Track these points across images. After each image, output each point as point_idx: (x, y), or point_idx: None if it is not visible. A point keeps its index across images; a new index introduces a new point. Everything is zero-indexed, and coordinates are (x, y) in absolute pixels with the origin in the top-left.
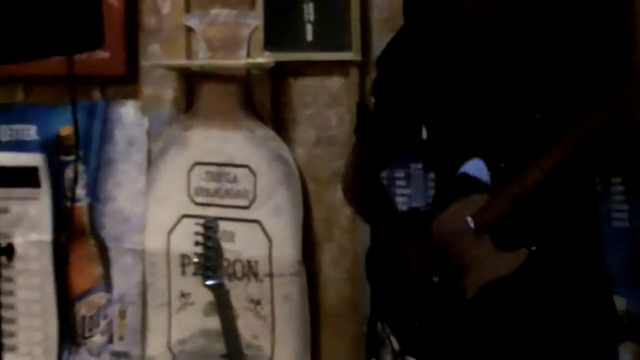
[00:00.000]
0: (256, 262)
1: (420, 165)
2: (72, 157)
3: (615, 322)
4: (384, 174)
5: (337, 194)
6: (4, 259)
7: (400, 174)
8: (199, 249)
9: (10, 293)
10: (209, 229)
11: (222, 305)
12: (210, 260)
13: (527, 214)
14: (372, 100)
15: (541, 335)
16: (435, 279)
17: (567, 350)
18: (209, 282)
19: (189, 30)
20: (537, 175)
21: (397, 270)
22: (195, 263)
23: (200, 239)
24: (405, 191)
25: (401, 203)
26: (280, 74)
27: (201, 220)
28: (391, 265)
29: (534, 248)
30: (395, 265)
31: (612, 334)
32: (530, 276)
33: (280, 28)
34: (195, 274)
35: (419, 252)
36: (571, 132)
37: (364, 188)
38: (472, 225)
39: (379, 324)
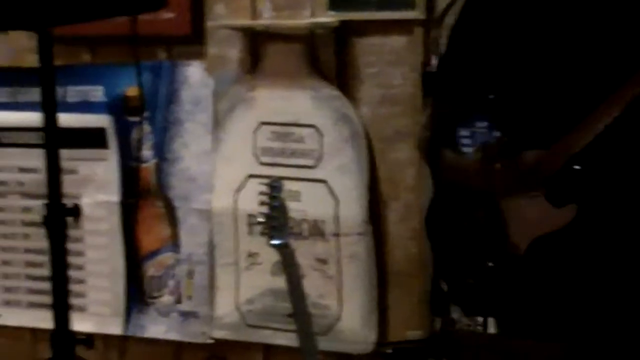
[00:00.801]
0: (322, 221)
1: (485, 124)
2: (138, 118)
3: None
4: (463, 141)
5: (401, 152)
6: (70, 219)
7: (465, 132)
8: (264, 209)
9: (79, 253)
10: (274, 188)
11: (288, 264)
12: (275, 220)
13: (581, 170)
14: (434, 60)
15: (593, 289)
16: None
17: (617, 305)
18: (274, 242)
19: None
20: (588, 132)
21: (455, 225)
22: (261, 223)
23: (265, 198)
24: (471, 149)
25: None
26: (345, 33)
27: (266, 180)
28: (450, 221)
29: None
30: (454, 220)
31: None
32: (581, 230)
33: None
34: (261, 233)
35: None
36: (623, 88)
37: (438, 143)
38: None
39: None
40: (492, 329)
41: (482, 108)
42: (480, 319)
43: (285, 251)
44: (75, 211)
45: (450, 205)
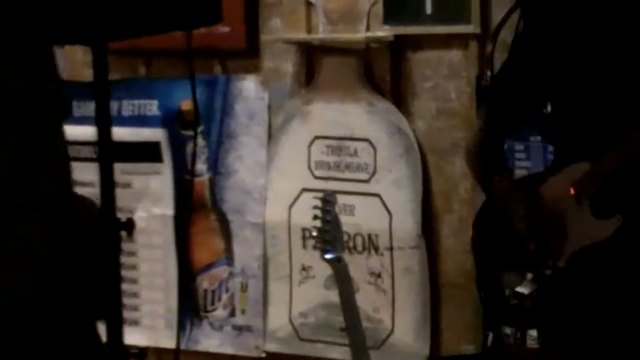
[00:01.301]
0: (376, 235)
1: (539, 138)
2: (192, 132)
3: None
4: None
5: (456, 166)
6: (124, 233)
7: (519, 146)
8: (318, 223)
9: (133, 267)
10: (328, 202)
11: (341, 278)
12: (328, 234)
13: (627, 182)
14: (488, 73)
15: (633, 300)
16: (531, 246)
17: None
18: (327, 256)
19: (309, 4)
20: (636, 146)
21: (499, 237)
22: (314, 237)
23: (318, 212)
24: (525, 164)
25: (520, 175)
26: (400, 47)
27: (320, 194)
28: (495, 232)
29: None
30: (498, 231)
31: None
32: (625, 242)
33: (399, 1)
34: (315, 247)
35: (523, 211)
36: None
37: (485, 152)
38: (572, 192)
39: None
40: (535, 342)
41: (535, 122)
42: (532, 334)
43: (338, 265)
44: (129, 225)
45: (495, 216)
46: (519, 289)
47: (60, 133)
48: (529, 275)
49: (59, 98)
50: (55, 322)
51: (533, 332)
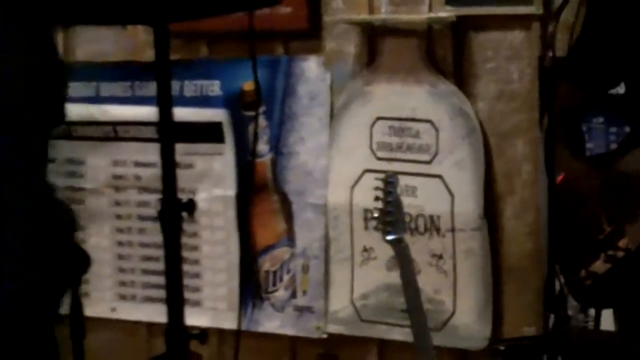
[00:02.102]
0: (438, 217)
1: (601, 119)
2: (254, 113)
3: None
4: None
5: (518, 147)
6: (185, 214)
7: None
8: (379, 204)
9: (195, 248)
10: (389, 183)
11: (402, 260)
12: (390, 215)
13: None
14: (550, 54)
15: None
16: (606, 228)
17: None
18: (389, 237)
19: None
20: None
21: (572, 215)
22: (376, 218)
23: (379, 193)
24: (587, 145)
25: None
26: (462, 28)
27: (382, 175)
28: (568, 210)
29: None
30: (572, 210)
31: None
32: None
33: None
34: (376, 228)
35: (598, 191)
36: None
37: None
38: None
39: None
40: (608, 324)
41: (599, 103)
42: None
43: (399, 246)
44: (190, 206)
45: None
46: (593, 269)
47: (45, 136)
48: (602, 256)
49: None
50: (29, 322)
51: (606, 314)
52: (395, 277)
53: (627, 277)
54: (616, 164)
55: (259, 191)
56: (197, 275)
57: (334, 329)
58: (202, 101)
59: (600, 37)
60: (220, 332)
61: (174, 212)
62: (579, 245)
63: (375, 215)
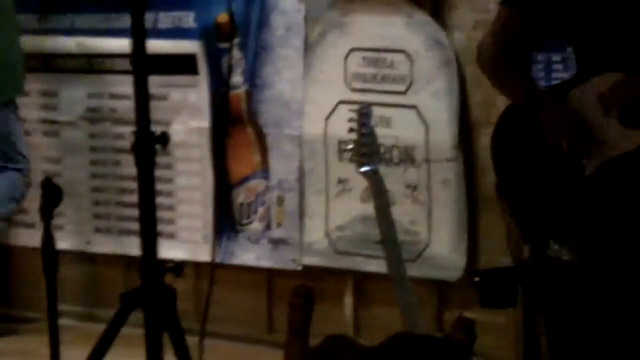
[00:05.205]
0: (413, 147)
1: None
2: (229, 44)
3: None
4: (540, 57)
5: None
6: (159, 147)
7: (557, 57)
8: (353, 136)
9: (170, 180)
10: (363, 115)
11: (376, 191)
12: (364, 147)
13: None
14: None
15: None
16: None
17: None
18: (362, 169)
19: None
20: None
21: (523, 144)
22: (350, 149)
23: (354, 125)
24: (562, 75)
25: None
26: None
27: (356, 107)
28: (519, 139)
29: None
30: (523, 139)
31: None
32: None
33: None
34: (351, 160)
35: (552, 119)
36: None
37: (507, 58)
38: (600, 101)
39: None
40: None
41: (559, 31)
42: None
43: (374, 178)
44: (164, 138)
45: (520, 121)
46: (548, 199)
47: None
48: (558, 185)
49: None
50: None
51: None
52: (370, 208)
53: (584, 206)
54: (568, 96)
55: (234, 123)
56: (172, 208)
57: (309, 261)
58: (177, 33)
59: None
60: (196, 265)
61: (148, 144)
62: (532, 171)
63: (350, 146)
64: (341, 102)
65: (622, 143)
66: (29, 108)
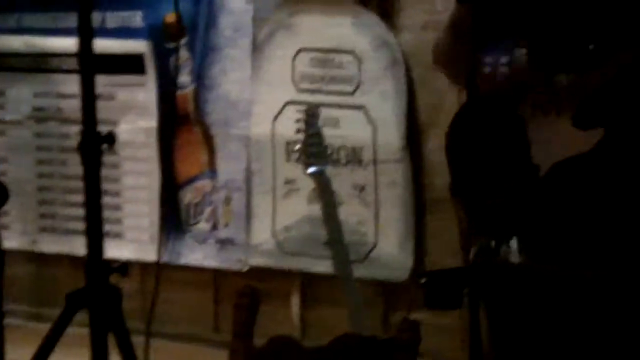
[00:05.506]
0: (361, 148)
1: (525, 51)
2: (176, 44)
3: None
4: (488, 59)
5: (443, 78)
6: (105, 146)
7: (504, 59)
8: (301, 136)
9: (117, 180)
10: (311, 115)
11: (323, 192)
12: (311, 148)
13: (611, 97)
14: None
15: (613, 216)
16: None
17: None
18: (309, 170)
19: None
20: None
21: (478, 142)
22: (297, 150)
23: (301, 126)
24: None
25: None
26: None
27: (304, 107)
28: (474, 138)
29: None
30: (478, 137)
31: None
32: (606, 156)
33: None
34: (298, 161)
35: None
36: None
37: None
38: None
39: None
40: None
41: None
42: (512, 245)
43: (321, 179)
44: (110, 138)
45: (475, 120)
46: (501, 200)
47: None
48: (512, 185)
49: None
50: None
51: (513, 244)
52: (317, 209)
53: (533, 208)
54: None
55: (182, 123)
56: (118, 207)
57: (256, 261)
58: (124, 32)
59: None
60: (143, 265)
61: (94, 144)
62: (484, 170)
63: (297, 147)
64: (289, 102)
65: (573, 144)
66: None
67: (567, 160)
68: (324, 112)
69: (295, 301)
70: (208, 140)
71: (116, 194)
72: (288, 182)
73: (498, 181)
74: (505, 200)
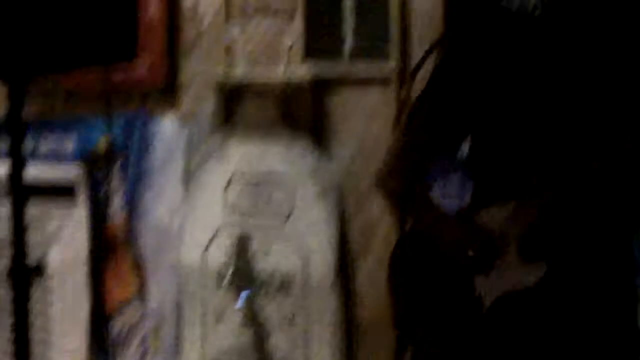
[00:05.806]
0: (292, 277)
1: (460, 176)
2: (108, 170)
3: (637, 340)
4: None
5: (375, 207)
6: (34, 278)
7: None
8: (231, 266)
9: (43, 312)
10: (242, 245)
11: (253, 323)
12: (241, 277)
13: (554, 228)
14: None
15: (557, 350)
16: (471, 253)
17: None
18: (238, 305)
19: (229, 42)
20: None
21: (421, 275)
22: (227, 280)
23: (232, 255)
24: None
25: None
26: (320, 87)
27: (234, 236)
28: (415, 269)
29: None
30: (420, 269)
31: (632, 351)
32: (549, 290)
33: (319, 40)
34: (228, 290)
35: (460, 230)
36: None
37: (404, 180)
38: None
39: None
40: None
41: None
42: None
43: (250, 309)
44: (39, 270)
45: (416, 252)
46: (446, 334)
47: None
48: (449, 317)
49: None
50: None
51: None
52: (247, 338)
53: (477, 342)
54: (475, 218)
55: (113, 250)
56: (45, 341)
57: None
58: (57, 157)
59: (447, 85)
60: None
61: (23, 277)
62: (427, 304)
63: (228, 276)
64: (220, 230)
65: (518, 277)
66: None
67: (510, 294)
68: (256, 241)
69: None
70: (139, 267)
71: (44, 325)
72: (218, 311)
73: (442, 315)
74: (448, 336)
